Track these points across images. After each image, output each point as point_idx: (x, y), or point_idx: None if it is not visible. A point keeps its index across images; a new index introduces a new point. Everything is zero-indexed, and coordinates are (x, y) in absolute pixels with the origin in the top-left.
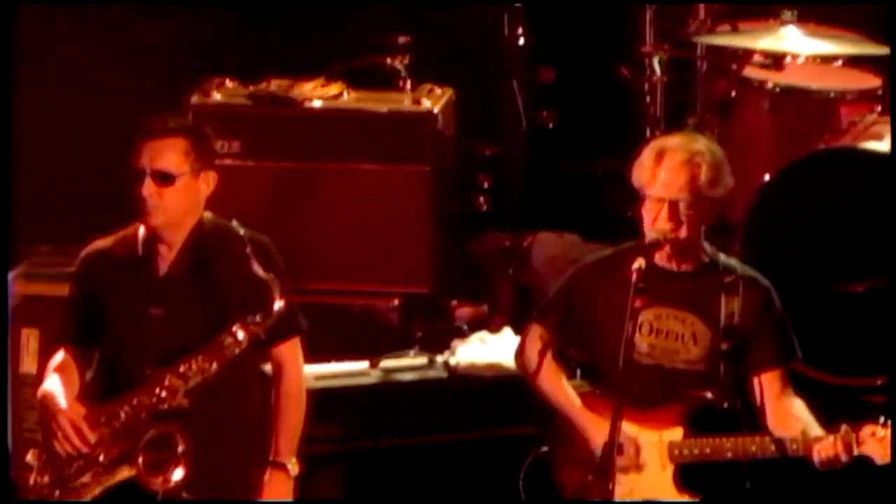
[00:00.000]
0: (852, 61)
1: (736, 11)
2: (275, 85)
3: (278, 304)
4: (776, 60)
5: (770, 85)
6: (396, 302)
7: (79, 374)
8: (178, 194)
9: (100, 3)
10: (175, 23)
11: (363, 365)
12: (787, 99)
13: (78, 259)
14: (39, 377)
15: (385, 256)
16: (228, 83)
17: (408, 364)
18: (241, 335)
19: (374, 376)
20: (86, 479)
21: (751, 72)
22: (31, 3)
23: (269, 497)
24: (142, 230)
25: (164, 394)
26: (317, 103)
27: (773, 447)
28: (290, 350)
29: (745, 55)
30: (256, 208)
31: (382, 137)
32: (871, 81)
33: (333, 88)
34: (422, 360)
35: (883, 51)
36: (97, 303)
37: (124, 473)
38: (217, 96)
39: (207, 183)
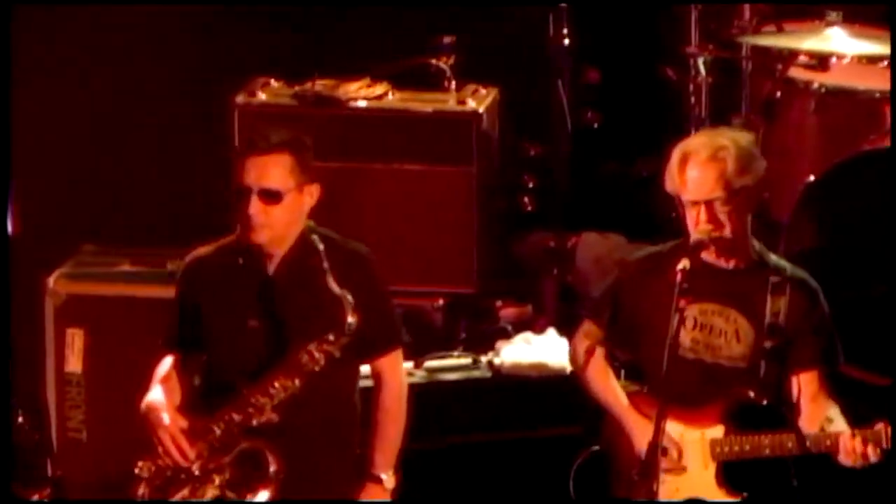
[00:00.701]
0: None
1: (781, 12)
2: (320, 85)
3: (350, 321)
4: (821, 61)
5: (815, 85)
6: (441, 302)
7: (182, 381)
8: (284, 211)
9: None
10: (220, 22)
11: (408, 365)
12: (833, 99)
13: (181, 266)
14: (85, 376)
15: (430, 257)
16: (273, 83)
17: (452, 364)
18: (316, 354)
19: (418, 376)
20: (185, 491)
21: (796, 72)
22: (29, 2)
23: None
24: (240, 240)
25: (252, 410)
26: (362, 103)
27: (808, 443)
28: (390, 363)
29: (791, 56)
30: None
31: (427, 138)
32: None
33: (378, 89)
34: (466, 360)
35: None
36: (198, 310)
37: (216, 490)
38: (262, 96)
39: (311, 195)
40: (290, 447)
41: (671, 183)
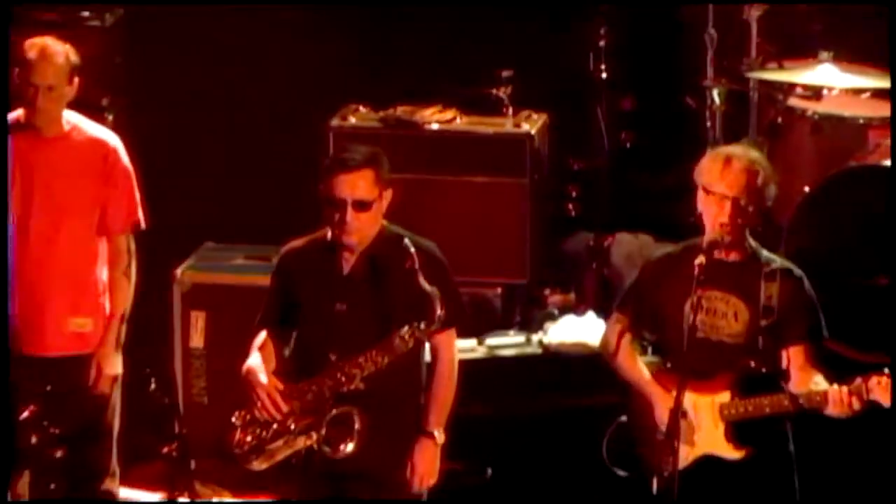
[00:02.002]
0: (878, 93)
1: (782, 52)
2: (400, 111)
3: (440, 314)
4: (815, 92)
5: (810, 113)
6: (499, 290)
7: (276, 352)
8: (371, 217)
9: None
10: (319, 53)
11: (472, 342)
12: (825, 124)
13: (278, 255)
14: (206, 351)
15: (490, 253)
16: (362, 109)
17: (508, 342)
18: (408, 338)
19: (480, 352)
20: (278, 443)
21: (794, 102)
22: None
23: (419, 461)
24: (329, 235)
25: (343, 379)
26: (435, 126)
27: (801, 400)
28: (448, 338)
29: (790, 88)
30: (385, 213)
31: (488, 155)
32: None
33: (448, 114)
34: (520, 338)
35: None
36: (292, 294)
37: (306, 442)
38: (352, 120)
39: (387, 199)
40: (371, 409)
41: (708, 176)
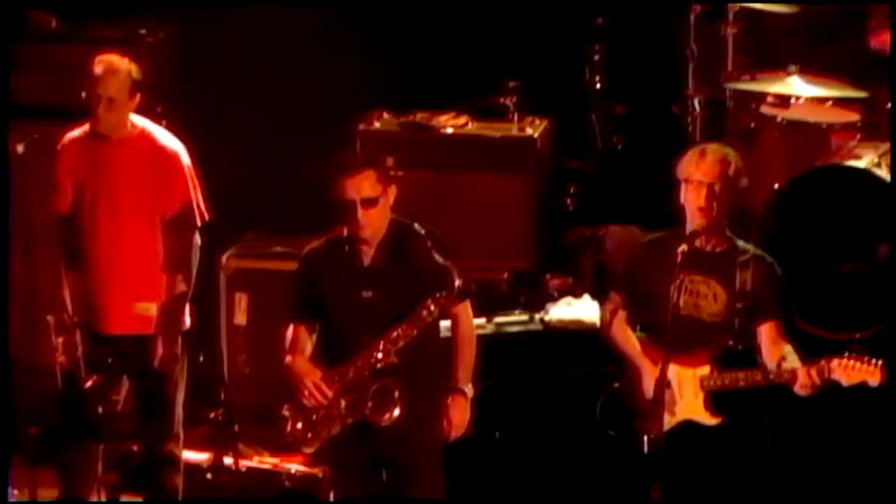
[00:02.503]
0: (839, 101)
1: (754, 66)
2: (419, 116)
3: (458, 283)
4: (784, 101)
5: (779, 119)
6: (506, 275)
7: (308, 342)
8: (379, 211)
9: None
10: (348, 65)
11: (482, 321)
12: (792, 129)
13: (300, 258)
14: (248, 327)
15: (498, 242)
16: (385, 115)
17: (514, 320)
18: (433, 308)
19: (489, 328)
20: (327, 424)
21: (766, 109)
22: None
23: (454, 415)
24: (345, 232)
25: (380, 356)
26: (449, 130)
27: (770, 375)
28: (465, 307)
29: (762, 97)
30: (406, 206)
31: (496, 155)
32: (853, 116)
33: (461, 119)
34: (524, 317)
35: (861, 94)
36: (317, 289)
37: (355, 417)
38: (377, 125)
39: (392, 194)
40: (406, 378)
41: (687, 168)
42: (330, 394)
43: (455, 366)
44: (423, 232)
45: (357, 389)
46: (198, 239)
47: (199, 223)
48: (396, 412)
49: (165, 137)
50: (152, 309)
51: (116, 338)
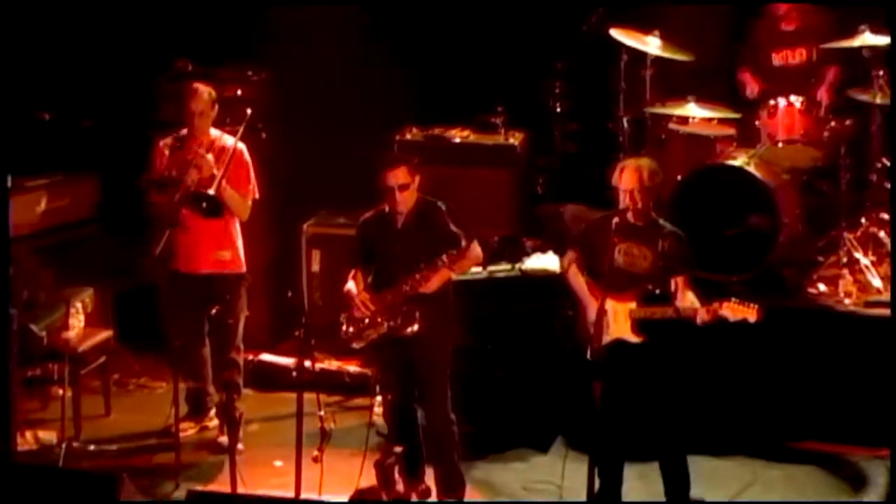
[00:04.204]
0: (721, 120)
1: (665, 96)
2: (437, 130)
3: (464, 244)
4: (684, 120)
5: (682, 132)
6: (496, 238)
7: (363, 279)
8: (409, 193)
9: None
10: (389, 92)
11: (479, 269)
12: (690, 140)
13: (358, 224)
14: (321, 273)
15: (491, 215)
16: (414, 129)
17: (501, 268)
18: (446, 259)
19: (483, 274)
20: (369, 330)
21: (672, 125)
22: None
23: (433, 276)
24: (387, 208)
25: (408, 288)
26: (457, 140)
27: (679, 312)
28: (474, 249)
29: (669, 118)
30: (428, 191)
31: (489, 157)
32: (731, 131)
33: (465, 132)
34: (508, 266)
35: (735, 115)
36: (369, 244)
37: (389, 328)
38: (408, 136)
39: (418, 181)
40: (425, 304)
41: (615, 179)
42: (372, 308)
43: (457, 263)
44: (443, 207)
45: (392, 309)
46: (247, 209)
47: (256, 197)
48: (416, 327)
49: (231, 140)
50: (227, 255)
51: (205, 275)
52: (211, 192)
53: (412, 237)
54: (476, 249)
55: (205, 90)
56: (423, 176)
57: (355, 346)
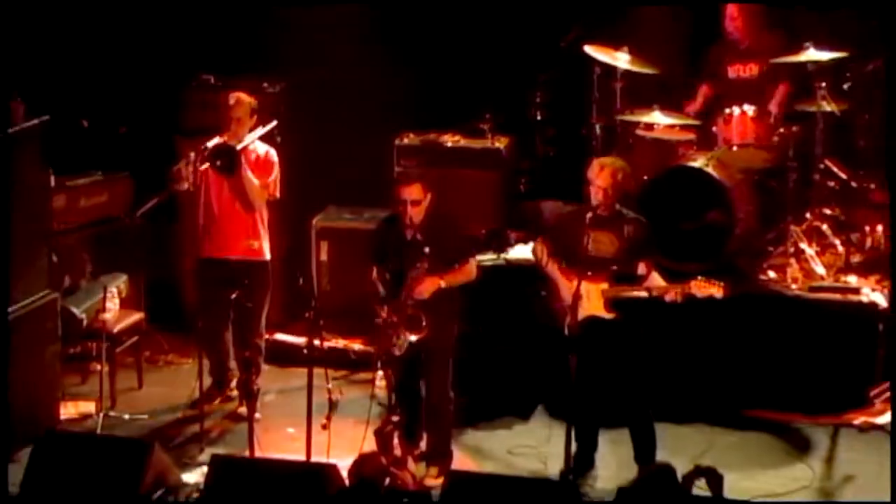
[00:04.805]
0: (682, 127)
1: (633, 105)
2: (432, 135)
3: (463, 260)
4: (650, 127)
5: (648, 137)
6: (484, 231)
7: (380, 278)
8: (421, 208)
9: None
10: (391, 101)
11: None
12: (655, 144)
13: (374, 229)
14: (329, 261)
15: (480, 211)
16: (412, 134)
17: (489, 257)
18: (454, 267)
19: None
20: (402, 339)
21: (639, 132)
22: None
23: (424, 282)
24: (400, 218)
25: (406, 296)
26: (449, 144)
27: (650, 291)
28: (470, 267)
29: (637, 124)
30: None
31: (478, 159)
32: (691, 136)
33: (457, 137)
34: (494, 255)
35: (695, 122)
36: (383, 248)
37: (401, 329)
38: (406, 140)
39: (430, 198)
40: (428, 308)
41: (591, 175)
42: (395, 319)
43: (450, 275)
44: (454, 223)
45: (401, 311)
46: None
47: (276, 195)
48: (423, 334)
49: (263, 146)
50: (256, 244)
51: (235, 261)
52: (230, 143)
53: (419, 248)
54: (472, 268)
55: (246, 99)
56: (434, 179)
57: (397, 353)
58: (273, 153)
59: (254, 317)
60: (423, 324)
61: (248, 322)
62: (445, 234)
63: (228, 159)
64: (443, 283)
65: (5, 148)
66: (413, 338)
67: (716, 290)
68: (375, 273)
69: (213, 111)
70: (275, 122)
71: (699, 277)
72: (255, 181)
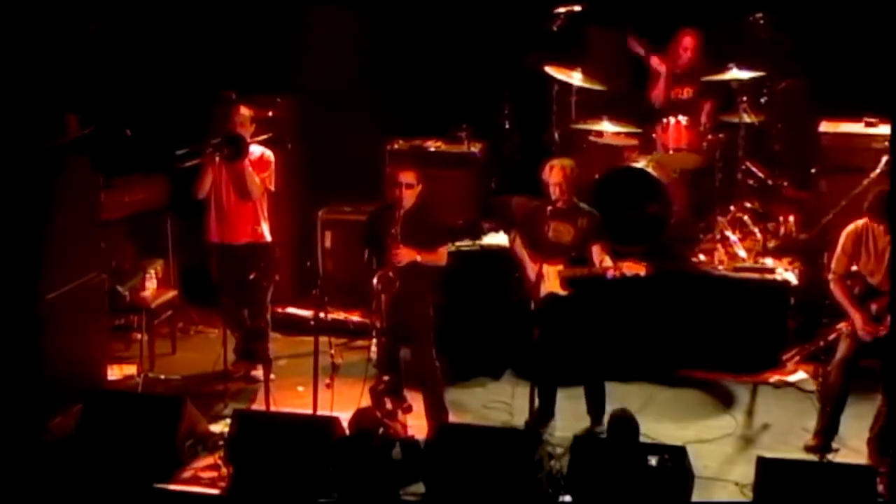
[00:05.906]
0: (628, 134)
1: (586, 116)
2: (418, 141)
3: (438, 245)
4: (600, 134)
5: (599, 143)
6: (461, 221)
7: (375, 259)
8: (413, 192)
9: None
10: (382, 113)
11: (448, 245)
12: (605, 148)
13: (368, 214)
14: (332, 248)
15: (458, 204)
16: (401, 141)
17: (466, 244)
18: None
19: (451, 248)
20: (384, 294)
21: (592, 138)
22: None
23: (403, 253)
24: (392, 201)
25: (389, 259)
26: (432, 148)
27: (594, 269)
28: (442, 252)
29: (589, 132)
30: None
31: (457, 161)
32: (635, 142)
33: (439, 143)
34: (470, 242)
35: (638, 130)
36: (376, 230)
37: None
38: (396, 146)
39: (420, 187)
40: (408, 283)
41: (545, 176)
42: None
43: (426, 254)
44: (435, 213)
45: (391, 280)
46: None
47: (271, 188)
48: (393, 287)
49: (261, 149)
50: (259, 229)
51: (243, 244)
52: (238, 132)
53: (407, 227)
54: (444, 253)
55: (245, 110)
56: (424, 185)
57: (384, 297)
58: (269, 154)
59: (261, 293)
60: (395, 281)
61: (259, 296)
62: (427, 221)
63: (235, 147)
64: (418, 258)
65: (61, 154)
66: (390, 290)
67: (640, 269)
68: (367, 254)
69: (230, 122)
70: (270, 134)
71: (628, 260)
72: (255, 177)
